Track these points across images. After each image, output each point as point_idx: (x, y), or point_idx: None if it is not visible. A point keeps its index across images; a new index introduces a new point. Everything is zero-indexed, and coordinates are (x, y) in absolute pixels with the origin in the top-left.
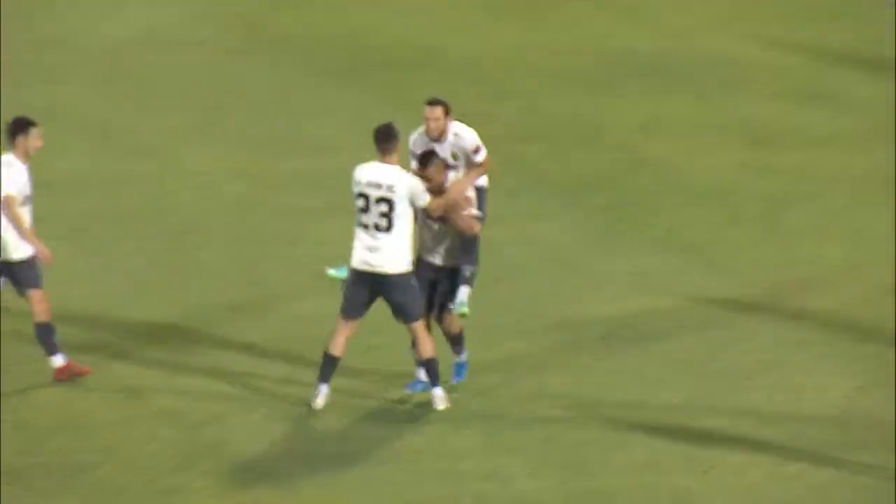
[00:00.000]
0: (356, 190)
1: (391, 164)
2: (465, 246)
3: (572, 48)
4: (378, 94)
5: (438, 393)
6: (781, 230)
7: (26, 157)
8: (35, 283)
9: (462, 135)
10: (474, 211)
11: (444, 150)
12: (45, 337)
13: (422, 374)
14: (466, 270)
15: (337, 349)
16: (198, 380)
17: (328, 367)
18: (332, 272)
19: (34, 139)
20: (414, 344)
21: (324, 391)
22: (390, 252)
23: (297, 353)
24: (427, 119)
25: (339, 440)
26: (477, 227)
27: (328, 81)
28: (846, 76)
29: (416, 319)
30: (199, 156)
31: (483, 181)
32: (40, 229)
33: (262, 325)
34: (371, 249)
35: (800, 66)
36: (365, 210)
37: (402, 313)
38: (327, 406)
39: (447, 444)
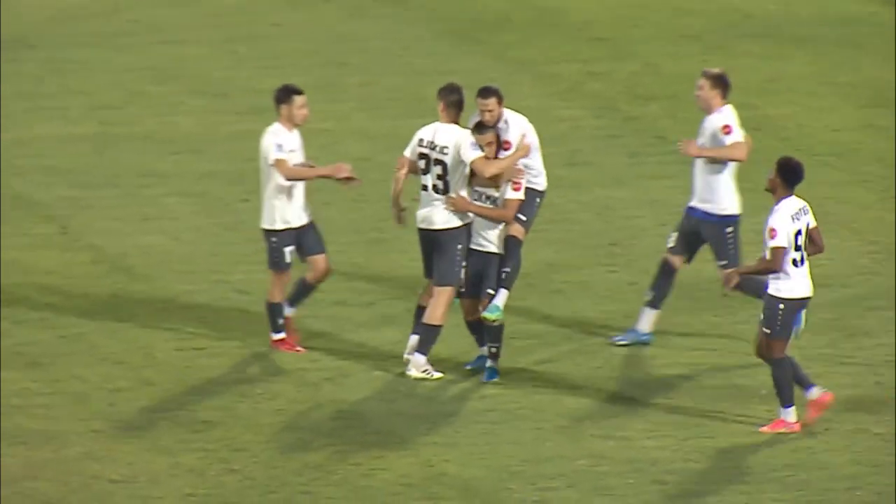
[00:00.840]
0: (417, 150)
1: (448, 122)
2: (506, 245)
3: (691, 8)
4: (497, 55)
5: (419, 360)
6: None
7: (291, 124)
8: (317, 249)
9: (510, 122)
10: (520, 184)
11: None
12: (298, 294)
13: (485, 350)
14: (503, 273)
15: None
16: (317, 339)
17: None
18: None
19: (298, 107)
20: (425, 303)
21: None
22: (444, 210)
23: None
24: (481, 111)
25: (458, 399)
26: (509, 215)
27: (448, 41)
28: None
29: (445, 285)
30: (321, 115)
31: (541, 184)
32: (163, 186)
33: (382, 284)
34: (428, 208)
35: None
36: (426, 171)
37: (437, 271)
38: (445, 366)
39: (566, 403)
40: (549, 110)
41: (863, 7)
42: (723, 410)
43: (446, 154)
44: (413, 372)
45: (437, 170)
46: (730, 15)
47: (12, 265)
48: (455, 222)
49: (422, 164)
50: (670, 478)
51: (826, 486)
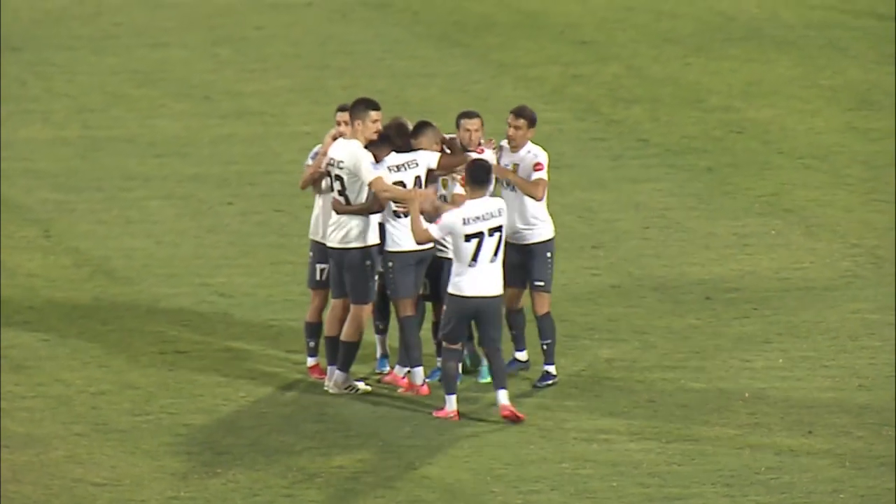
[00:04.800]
0: (329, 170)
1: (347, 136)
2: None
3: (674, 11)
4: (480, 58)
5: (339, 377)
6: (885, 193)
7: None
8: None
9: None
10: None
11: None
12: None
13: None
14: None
15: (329, 329)
16: (300, 343)
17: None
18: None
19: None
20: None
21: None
22: (344, 227)
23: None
24: (466, 130)
25: (440, 404)
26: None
27: (431, 44)
28: None
29: (361, 303)
30: (303, 117)
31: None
32: (146, 189)
33: None
34: (331, 226)
35: None
36: (331, 187)
37: (350, 290)
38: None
39: (549, 406)
40: None
41: (842, 12)
42: (705, 413)
43: (341, 168)
44: (334, 389)
45: (337, 185)
46: (713, 18)
47: None
48: (355, 243)
49: (328, 180)
50: (653, 480)
51: (809, 488)
